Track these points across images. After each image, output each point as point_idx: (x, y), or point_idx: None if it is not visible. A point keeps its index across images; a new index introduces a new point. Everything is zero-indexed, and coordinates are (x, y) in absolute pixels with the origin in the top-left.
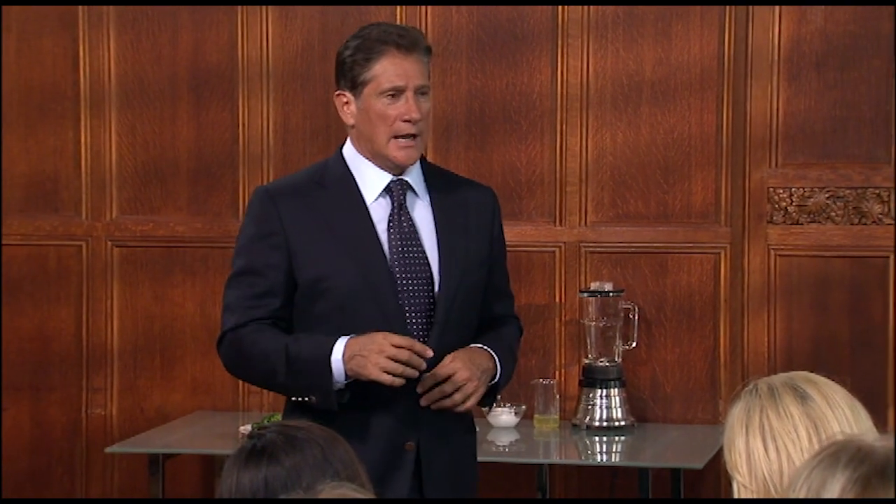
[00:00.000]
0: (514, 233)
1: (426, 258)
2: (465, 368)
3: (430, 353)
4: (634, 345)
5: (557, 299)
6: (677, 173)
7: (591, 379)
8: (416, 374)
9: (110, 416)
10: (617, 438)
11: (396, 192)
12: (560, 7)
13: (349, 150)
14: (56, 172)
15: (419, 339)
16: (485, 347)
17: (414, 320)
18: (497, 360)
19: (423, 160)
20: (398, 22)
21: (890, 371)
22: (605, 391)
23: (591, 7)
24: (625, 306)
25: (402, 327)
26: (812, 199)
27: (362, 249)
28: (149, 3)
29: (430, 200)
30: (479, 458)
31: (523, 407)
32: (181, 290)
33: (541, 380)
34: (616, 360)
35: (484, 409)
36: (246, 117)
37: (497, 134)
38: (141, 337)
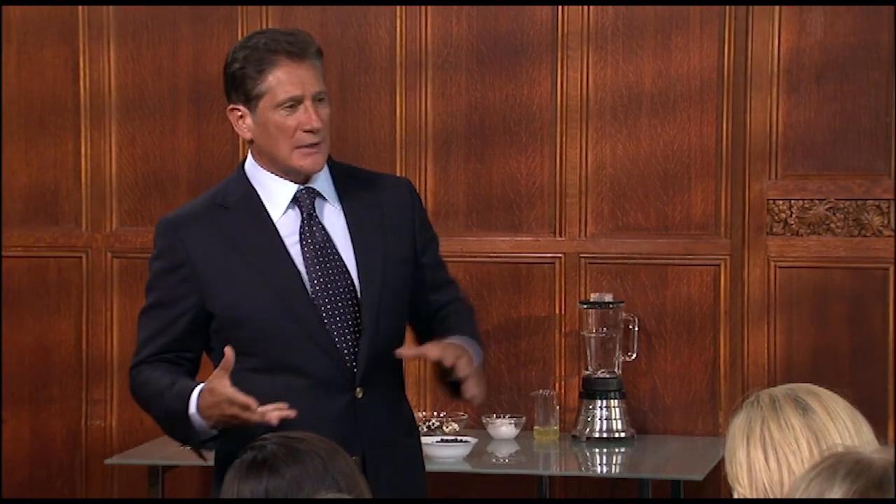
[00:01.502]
0: (513, 244)
1: (345, 266)
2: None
3: (254, 406)
4: (634, 356)
5: (557, 311)
6: (677, 185)
7: (591, 390)
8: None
9: (110, 427)
10: (617, 450)
11: (304, 202)
12: (560, 19)
13: (250, 165)
14: (56, 184)
15: (348, 350)
16: (463, 346)
17: (341, 333)
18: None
19: (330, 161)
20: (398, 31)
21: (890, 383)
22: (604, 402)
23: (591, 19)
24: (625, 318)
25: (329, 344)
26: (812, 211)
27: (274, 270)
28: (150, 3)
29: (341, 204)
30: (480, 470)
31: (523, 418)
32: None
33: (541, 391)
34: (616, 371)
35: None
36: None
37: (497, 145)
38: None
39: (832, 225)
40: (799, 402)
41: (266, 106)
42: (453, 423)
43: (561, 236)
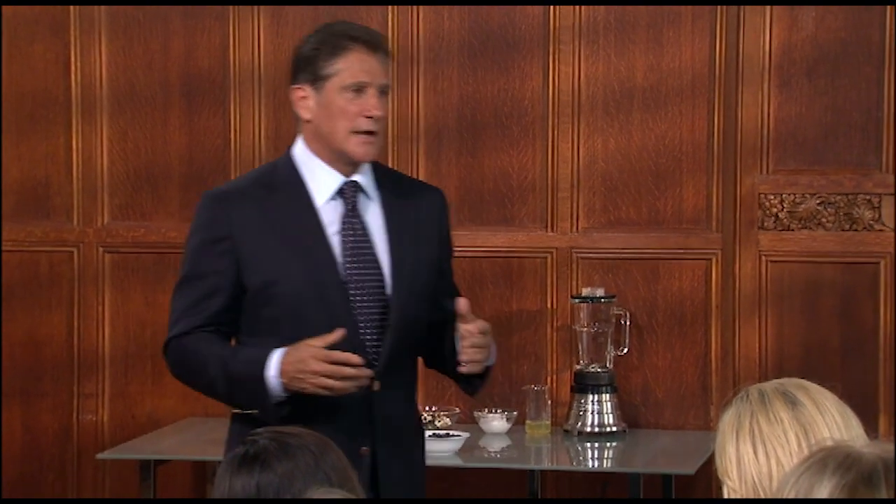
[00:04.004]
0: (505, 239)
1: (377, 262)
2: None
3: (356, 360)
4: (626, 351)
5: (549, 305)
6: (668, 179)
7: (583, 385)
8: (364, 381)
9: (101, 422)
10: (608, 444)
11: (349, 195)
12: (552, 13)
13: (300, 150)
14: (48, 178)
15: (372, 344)
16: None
17: (366, 325)
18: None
19: (374, 161)
20: (390, 26)
21: (881, 377)
22: (596, 397)
23: (583, 13)
24: (616, 312)
25: (353, 333)
26: (803, 206)
27: (312, 254)
28: (143, 3)
29: (381, 203)
30: (471, 464)
31: (515, 413)
32: None
33: (532, 386)
34: (607, 365)
35: (470, 393)
36: (238, 123)
37: (488, 140)
38: (132, 343)
39: (823, 219)
40: (788, 396)
41: (333, 87)
42: (445, 418)
43: (553, 231)
